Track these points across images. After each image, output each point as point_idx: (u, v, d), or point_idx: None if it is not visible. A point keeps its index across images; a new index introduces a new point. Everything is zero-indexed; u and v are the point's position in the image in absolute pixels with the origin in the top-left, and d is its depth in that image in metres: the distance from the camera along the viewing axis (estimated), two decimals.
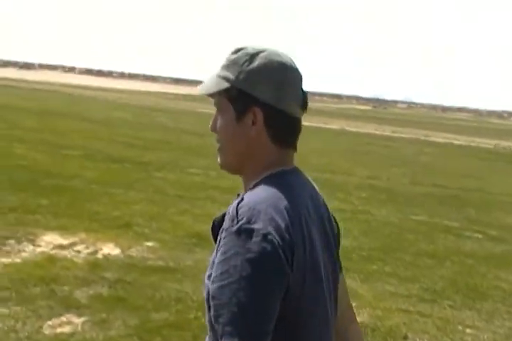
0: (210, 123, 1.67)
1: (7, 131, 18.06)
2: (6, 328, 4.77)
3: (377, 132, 41.08)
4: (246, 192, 1.58)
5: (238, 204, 1.47)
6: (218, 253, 1.45)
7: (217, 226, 1.54)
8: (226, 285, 1.40)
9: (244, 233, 1.41)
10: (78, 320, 5.04)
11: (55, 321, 4.98)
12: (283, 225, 1.44)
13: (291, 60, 1.64)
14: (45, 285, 5.73)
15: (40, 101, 36.77)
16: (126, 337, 4.76)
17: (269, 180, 1.56)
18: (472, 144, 40.04)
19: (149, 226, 8.28)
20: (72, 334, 4.78)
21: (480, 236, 10.36)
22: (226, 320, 1.39)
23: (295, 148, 1.65)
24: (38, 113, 26.72)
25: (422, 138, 40.16)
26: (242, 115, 1.58)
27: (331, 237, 1.68)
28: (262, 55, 1.59)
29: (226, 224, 1.46)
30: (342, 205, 11.37)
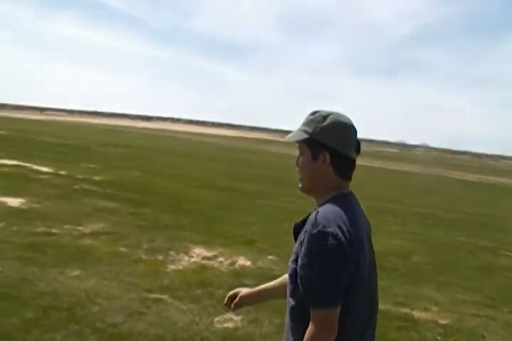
0: (295, 160, 1.90)
1: (149, 166, 18.35)
2: (188, 321, 4.68)
3: (409, 170, 40.13)
4: (319, 207, 1.77)
5: (316, 214, 1.67)
6: (303, 248, 1.64)
7: (297, 228, 1.80)
8: (311, 270, 1.61)
9: (322, 234, 1.61)
10: (237, 318, 4.89)
11: (220, 318, 4.86)
12: (346, 230, 1.63)
13: (350, 119, 1.86)
14: (205, 288, 5.64)
15: (164, 144, 37.42)
16: (276, 334, 4.59)
17: (334, 199, 1.76)
18: (479, 180, 38.76)
19: (267, 243, 8.12)
20: (236, 329, 4.65)
21: (510, 254, 9.84)
22: (312, 292, 1.61)
23: (351, 179, 1.87)
24: (166, 153, 27.14)
25: (442, 174, 39.08)
26: (316, 156, 1.82)
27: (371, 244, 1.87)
28: (331, 116, 1.83)
29: (308, 228, 1.65)
30: (403, 228, 11.03)
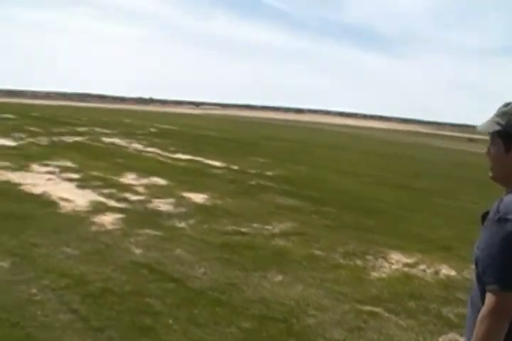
0: (486, 149, 1.87)
1: (313, 161, 18.20)
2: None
3: None
4: (506, 195, 1.73)
5: (499, 202, 1.68)
6: (485, 233, 1.66)
7: (484, 216, 1.72)
8: (490, 253, 1.62)
9: (502, 221, 1.61)
10: (462, 339, 4.40)
11: (445, 338, 4.36)
12: None
13: None
14: (417, 301, 5.20)
15: (320, 136, 37.19)
16: None
17: None
18: None
19: (465, 250, 7.31)
20: None
21: None
22: (490, 273, 1.62)
23: None
24: (324, 146, 26.84)
25: None
26: (509, 148, 1.78)
27: None
28: None
29: (491, 215, 1.66)
30: None
